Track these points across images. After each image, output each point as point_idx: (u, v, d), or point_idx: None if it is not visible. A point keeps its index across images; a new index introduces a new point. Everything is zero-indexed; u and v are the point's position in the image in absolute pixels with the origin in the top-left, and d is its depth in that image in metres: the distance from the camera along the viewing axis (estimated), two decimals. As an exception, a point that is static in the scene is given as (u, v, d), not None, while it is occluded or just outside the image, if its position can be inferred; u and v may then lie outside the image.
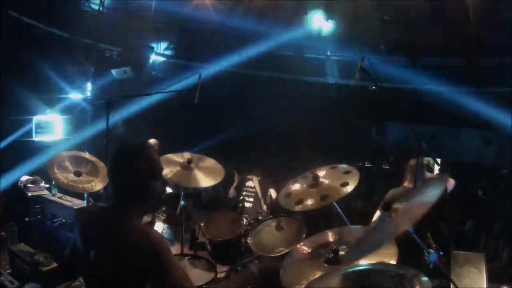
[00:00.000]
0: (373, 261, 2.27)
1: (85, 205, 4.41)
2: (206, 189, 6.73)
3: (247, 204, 5.60)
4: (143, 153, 1.91)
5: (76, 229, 1.94)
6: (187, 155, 4.07)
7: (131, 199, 1.86)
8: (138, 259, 1.72)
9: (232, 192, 6.14)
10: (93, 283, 1.88)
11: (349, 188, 2.85)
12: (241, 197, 5.73)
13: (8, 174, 5.83)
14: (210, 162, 4.20)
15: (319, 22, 10.65)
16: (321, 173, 3.06)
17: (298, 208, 2.92)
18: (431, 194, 2.06)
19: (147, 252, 1.72)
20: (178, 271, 1.81)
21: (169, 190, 6.16)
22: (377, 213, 3.91)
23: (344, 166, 3.14)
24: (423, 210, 1.93)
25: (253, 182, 5.65)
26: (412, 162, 4.47)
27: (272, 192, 5.49)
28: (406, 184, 4.46)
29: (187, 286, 1.83)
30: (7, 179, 5.58)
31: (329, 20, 10.55)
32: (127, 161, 1.88)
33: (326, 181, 2.98)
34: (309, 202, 2.89)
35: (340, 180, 2.94)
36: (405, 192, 4.33)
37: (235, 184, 6.18)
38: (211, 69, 9.47)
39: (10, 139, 6.55)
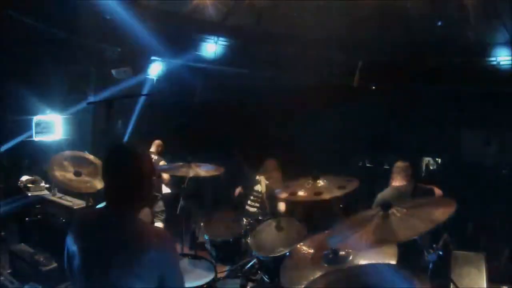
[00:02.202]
0: (373, 261, 2.28)
1: (84, 205, 4.42)
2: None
3: (252, 209, 5.35)
4: (134, 154, 1.92)
5: (71, 232, 1.90)
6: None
7: (122, 198, 1.86)
8: (145, 255, 1.71)
9: (236, 192, 5.80)
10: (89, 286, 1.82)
11: (345, 191, 2.90)
12: (246, 199, 5.48)
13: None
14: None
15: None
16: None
17: (288, 197, 3.09)
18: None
19: (154, 246, 1.73)
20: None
21: (167, 190, 6.13)
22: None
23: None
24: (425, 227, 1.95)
25: (260, 186, 5.31)
26: (399, 164, 4.55)
27: (281, 206, 5.17)
28: (394, 184, 4.52)
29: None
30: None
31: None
32: (118, 161, 1.90)
33: (323, 182, 3.07)
34: (302, 193, 3.02)
35: (338, 183, 3.02)
36: (397, 192, 4.38)
37: (239, 188, 5.81)
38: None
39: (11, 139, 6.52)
